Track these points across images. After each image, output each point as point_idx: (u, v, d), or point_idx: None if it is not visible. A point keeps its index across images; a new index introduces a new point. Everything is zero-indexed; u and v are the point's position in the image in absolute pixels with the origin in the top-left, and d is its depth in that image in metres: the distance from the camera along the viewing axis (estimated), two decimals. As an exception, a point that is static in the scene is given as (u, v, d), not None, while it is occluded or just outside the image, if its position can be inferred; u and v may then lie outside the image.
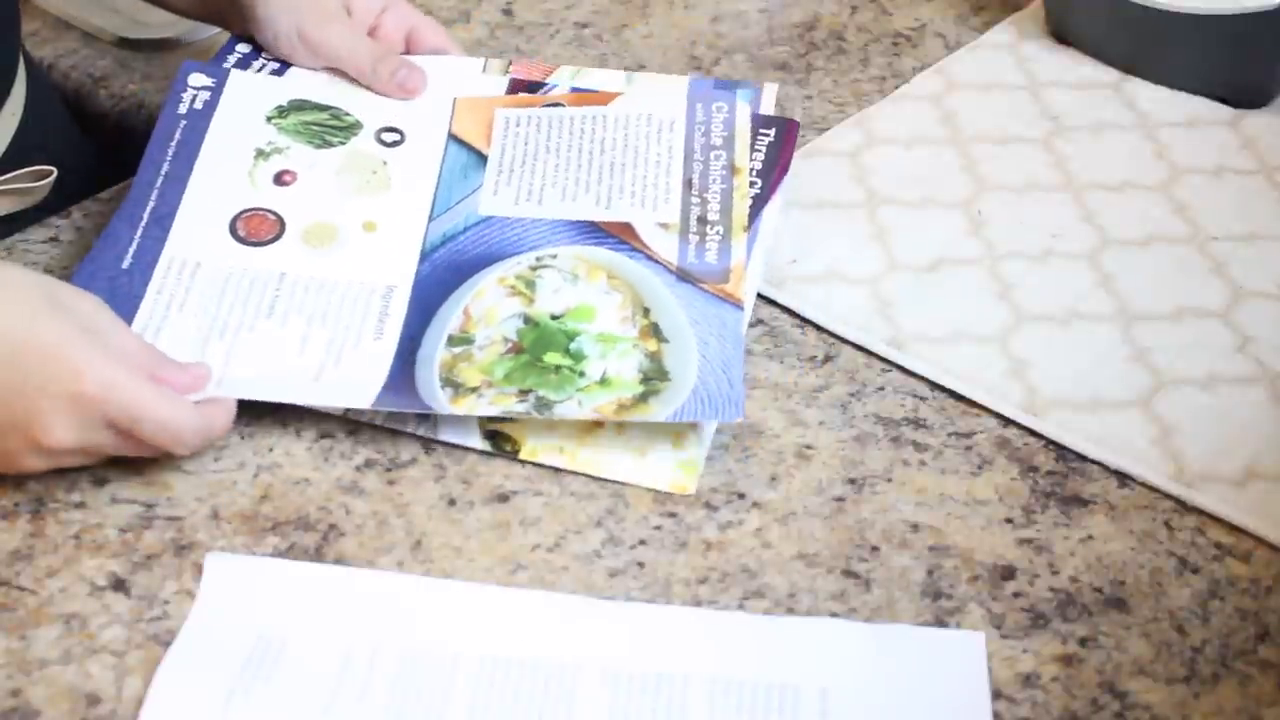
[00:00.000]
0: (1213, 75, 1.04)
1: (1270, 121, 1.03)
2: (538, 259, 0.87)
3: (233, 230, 0.88)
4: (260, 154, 0.92)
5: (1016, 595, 0.75)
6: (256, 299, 0.85)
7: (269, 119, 0.95)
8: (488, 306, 0.85)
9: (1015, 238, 0.94)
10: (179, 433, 0.76)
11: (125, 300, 0.84)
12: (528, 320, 0.84)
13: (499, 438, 0.81)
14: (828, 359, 0.87)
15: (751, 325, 0.88)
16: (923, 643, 0.72)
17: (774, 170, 0.92)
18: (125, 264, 0.86)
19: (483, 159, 0.93)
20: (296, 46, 0.98)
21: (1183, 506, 0.79)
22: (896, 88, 1.07)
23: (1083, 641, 0.73)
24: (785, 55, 1.10)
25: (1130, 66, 1.06)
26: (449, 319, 0.84)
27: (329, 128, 0.95)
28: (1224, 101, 1.04)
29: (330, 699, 0.69)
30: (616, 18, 1.14)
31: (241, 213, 0.89)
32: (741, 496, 0.79)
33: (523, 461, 0.80)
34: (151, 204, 0.89)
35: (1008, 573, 0.76)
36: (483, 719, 0.69)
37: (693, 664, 0.71)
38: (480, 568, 0.76)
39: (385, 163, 0.93)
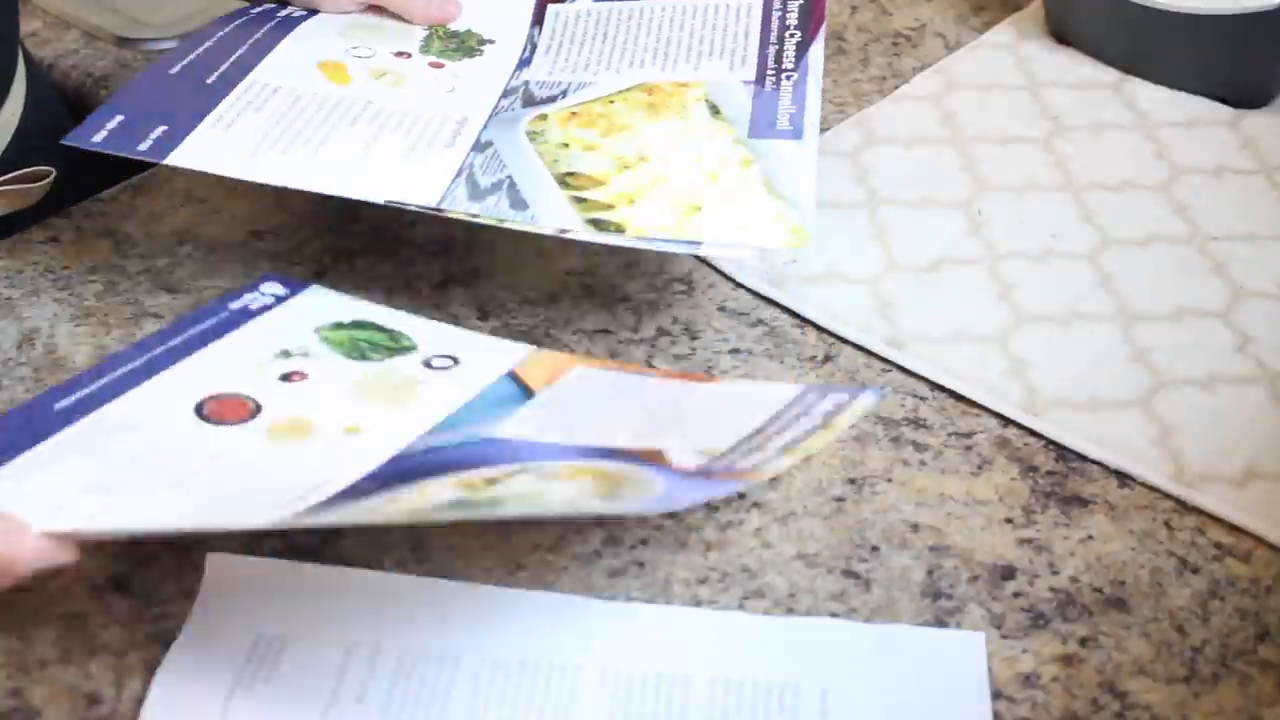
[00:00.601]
0: (1213, 75, 1.04)
1: (1270, 121, 1.03)
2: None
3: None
4: (284, 353, 0.82)
5: (1016, 595, 0.75)
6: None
7: (317, 329, 0.84)
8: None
9: (1015, 238, 0.94)
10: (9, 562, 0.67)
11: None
12: None
13: (602, 223, 0.81)
14: (828, 359, 0.87)
15: (751, 325, 0.88)
16: (923, 643, 0.72)
17: (809, 24, 0.95)
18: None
19: (530, 396, 0.78)
20: None
21: (1183, 506, 0.79)
22: (896, 88, 1.07)
23: (1083, 641, 0.73)
24: (785, 55, 1.10)
25: (1130, 66, 1.06)
26: None
27: (375, 345, 0.83)
28: (1224, 101, 1.04)
29: (330, 699, 0.69)
30: (616, 18, 1.14)
31: None
32: (741, 496, 0.79)
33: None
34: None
35: (1008, 573, 0.76)
36: (482, 719, 0.69)
37: (693, 664, 0.71)
38: (480, 568, 0.76)
39: (419, 383, 0.80)
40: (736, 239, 0.81)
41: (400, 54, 0.96)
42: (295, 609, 0.73)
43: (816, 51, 0.93)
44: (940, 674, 0.71)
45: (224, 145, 0.85)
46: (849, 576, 0.75)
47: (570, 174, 0.84)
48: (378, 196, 0.82)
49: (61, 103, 1.14)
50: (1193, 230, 0.94)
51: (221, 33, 0.95)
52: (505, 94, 0.92)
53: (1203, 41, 1.03)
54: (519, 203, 0.82)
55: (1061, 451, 0.81)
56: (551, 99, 0.91)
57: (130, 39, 1.18)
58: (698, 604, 0.74)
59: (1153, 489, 0.79)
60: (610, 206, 0.82)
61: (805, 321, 0.89)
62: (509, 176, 0.84)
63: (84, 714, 0.69)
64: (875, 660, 0.71)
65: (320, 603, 0.74)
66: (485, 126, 0.88)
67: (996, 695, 0.70)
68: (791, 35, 0.94)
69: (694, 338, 0.88)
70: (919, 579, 0.75)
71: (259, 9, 0.99)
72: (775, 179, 0.84)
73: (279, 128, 0.86)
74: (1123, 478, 0.80)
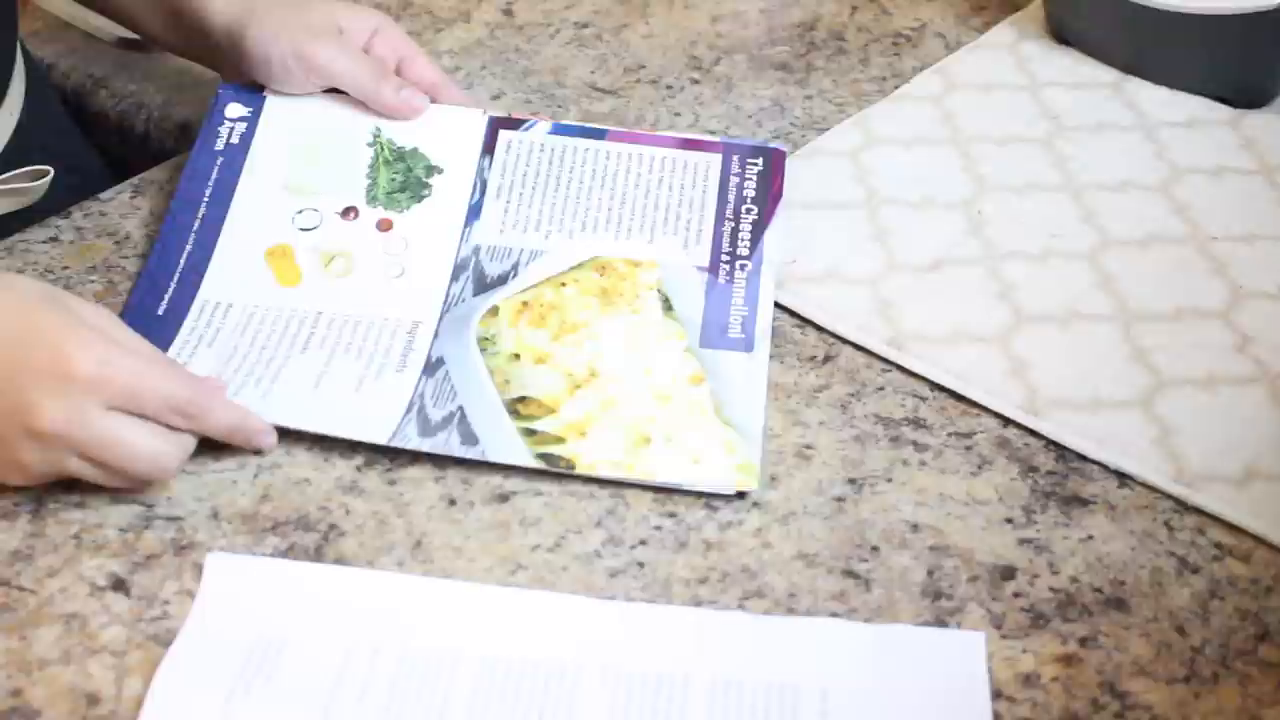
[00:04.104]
0: (1213, 75, 1.04)
1: (1270, 121, 1.03)
2: None
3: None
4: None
5: (1016, 595, 0.75)
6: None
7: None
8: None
9: (1015, 238, 0.94)
10: (182, 405, 0.76)
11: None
12: None
13: (552, 458, 0.80)
14: (828, 359, 0.87)
15: (751, 325, 0.88)
16: (923, 643, 0.72)
17: (767, 197, 0.92)
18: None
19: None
20: (292, 69, 0.95)
21: (1183, 506, 0.79)
22: (896, 88, 1.07)
23: (1083, 641, 0.73)
24: (785, 55, 1.10)
25: (1130, 66, 1.06)
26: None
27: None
28: (1224, 101, 1.04)
29: (330, 699, 0.69)
30: (616, 18, 1.14)
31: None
32: (742, 496, 0.79)
33: (578, 477, 0.80)
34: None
35: (1008, 573, 0.76)
36: (482, 719, 0.69)
37: (693, 664, 0.71)
38: (480, 568, 0.76)
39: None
40: (684, 476, 0.79)
41: (347, 211, 0.92)
42: (295, 609, 0.73)
43: (773, 235, 0.90)
44: (940, 674, 0.71)
45: None
46: (849, 576, 0.75)
47: (521, 399, 0.82)
48: (328, 429, 0.81)
49: (60, 103, 1.14)
50: (1193, 230, 0.94)
51: (171, 214, 0.92)
52: (456, 272, 0.89)
53: (1203, 41, 1.02)
54: (469, 437, 0.80)
55: (1061, 451, 0.81)
56: (503, 278, 0.88)
57: (130, 39, 1.18)
58: (698, 604, 0.74)
59: (1153, 489, 0.79)
60: (560, 440, 0.80)
61: (805, 321, 0.89)
62: (460, 408, 0.82)
63: (84, 714, 0.69)
64: (875, 660, 0.71)
65: (320, 603, 0.74)
66: (436, 335, 0.85)
67: (996, 695, 0.70)
68: (748, 211, 0.91)
69: (694, 338, 0.88)
70: (919, 579, 0.75)
71: (206, 144, 0.96)
72: (725, 402, 0.82)
73: (230, 366, 0.83)
74: (1123, 478, 0.80)
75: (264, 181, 0.94)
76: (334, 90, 0.97)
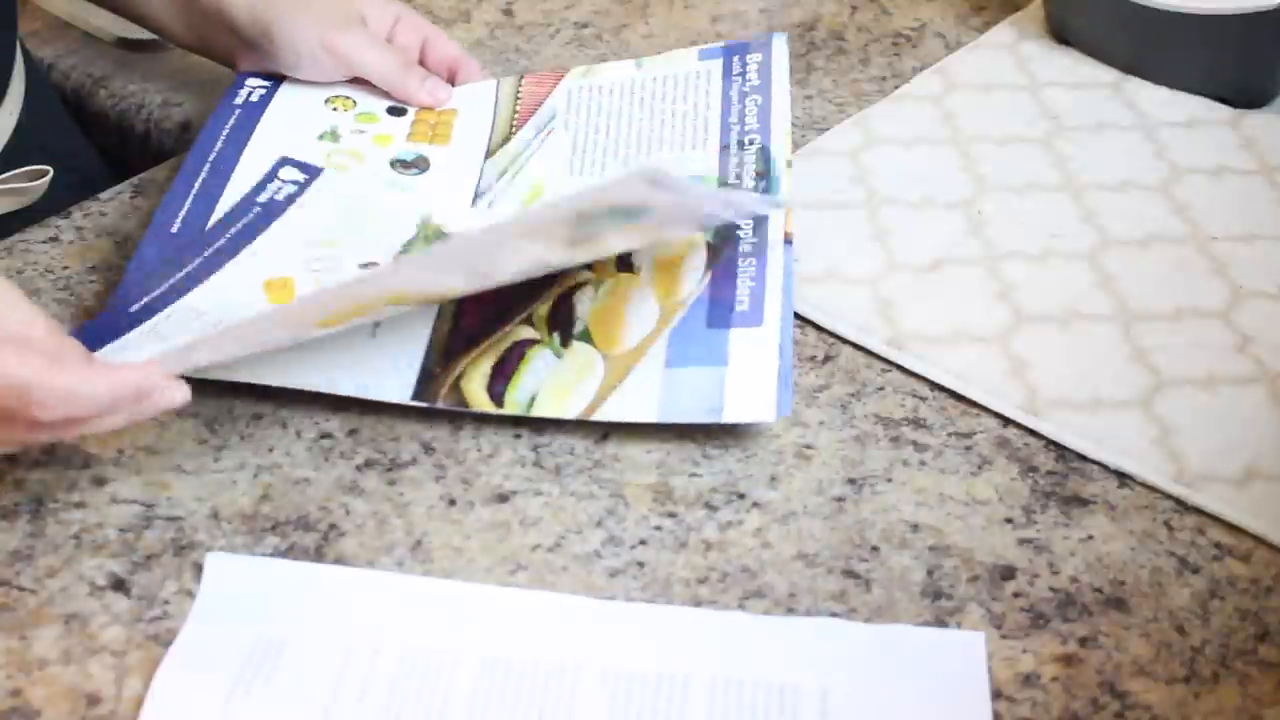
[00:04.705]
0: (1213, 75, 1.04)
1: (1270, 121, 1.03)
2: None
3: None
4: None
5: (1016, 595, 0.75)
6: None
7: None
8: None
9: (1015, 238, 0.94)
10: (74, 395, 0.70)
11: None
12: None
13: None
14: (828, 359, 0.87)
15: (751, 325, 0.88)
16: (923, 643, 0.72)
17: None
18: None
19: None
20: (320, 58, 0.96)
21: (1183, 506, 0.79)
22: (896, 88, 1.07)
23: (1083, 641, 0.73)
24: (785, 55, 1.10)
25: (1130, 66, 1.07)
26: None
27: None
28: (1224, 101, 1.04)
29: (330, 699, 0.69)
30: (616, 18, 1.14)
31: None
32: (741, 496, 0.79)
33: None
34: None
35: (1008, 573, 0.76)
36: (482, 719, 0.69)
37: (693, 664, 0.71)
38: (480, 568, 0.76)
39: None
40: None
41: (369, 265, 0.87)
42: (295, 609, 0.73)
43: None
44: (940, 674, 0.71)
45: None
46: (849, 576, 0.75)
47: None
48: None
49: (60, 103, 1.14)
50: (1193, 230, 0.94)
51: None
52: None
53: (1203, 41, 1.03)
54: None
55: (1061, 451, 0.81)
56: None
57: (130, 39, 1.18)
58: (698, 604, 0.74)
59: (1153, 489, 0.79)
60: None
61: (805, 321, 0.89)
62: None
63: (84, 714, 0.69)
64: (875, 660, 0.71)
65: (320, 603, 0.74)
66: None
67: (996, 695, 0.70)
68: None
69: (694, 338, 0.88)
70: (919, 579, 0.75)
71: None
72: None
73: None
74: (1123, 478, 0.80)
75: (293, 237, 0.89)
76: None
